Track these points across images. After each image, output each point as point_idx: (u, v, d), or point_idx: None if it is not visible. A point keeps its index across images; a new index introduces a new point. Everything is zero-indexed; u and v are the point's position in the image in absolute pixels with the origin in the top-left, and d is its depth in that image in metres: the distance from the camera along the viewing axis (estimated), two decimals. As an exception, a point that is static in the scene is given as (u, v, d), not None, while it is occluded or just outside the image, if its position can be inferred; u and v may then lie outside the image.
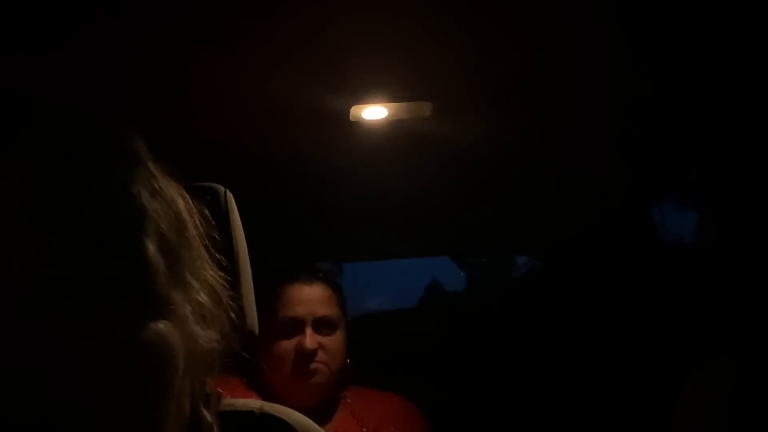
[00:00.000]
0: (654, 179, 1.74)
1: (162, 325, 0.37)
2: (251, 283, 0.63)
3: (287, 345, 1.27)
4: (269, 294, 1.31)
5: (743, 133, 1.23)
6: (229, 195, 0.65)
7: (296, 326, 1.28)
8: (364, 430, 1.31)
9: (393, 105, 1.26)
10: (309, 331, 1.27)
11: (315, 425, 0.56)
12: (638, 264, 1.77)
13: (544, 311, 1.94)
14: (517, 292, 2.35)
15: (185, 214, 0.44)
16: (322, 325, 1.30)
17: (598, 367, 1.72)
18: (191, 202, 0.46)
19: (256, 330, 0.61)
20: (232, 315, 0.47)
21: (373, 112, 1.28)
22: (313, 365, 1.26)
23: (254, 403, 0.54)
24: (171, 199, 0.42)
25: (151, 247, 0.38)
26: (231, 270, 0.52)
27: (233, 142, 1.40)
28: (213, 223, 0.48)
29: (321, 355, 1.27)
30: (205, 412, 0.44)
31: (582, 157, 1.58)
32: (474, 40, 1.07)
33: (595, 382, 1.70)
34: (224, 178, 0.68)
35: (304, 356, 1.26)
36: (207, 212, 0.47)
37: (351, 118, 1.29)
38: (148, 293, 0.37)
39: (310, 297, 1.30)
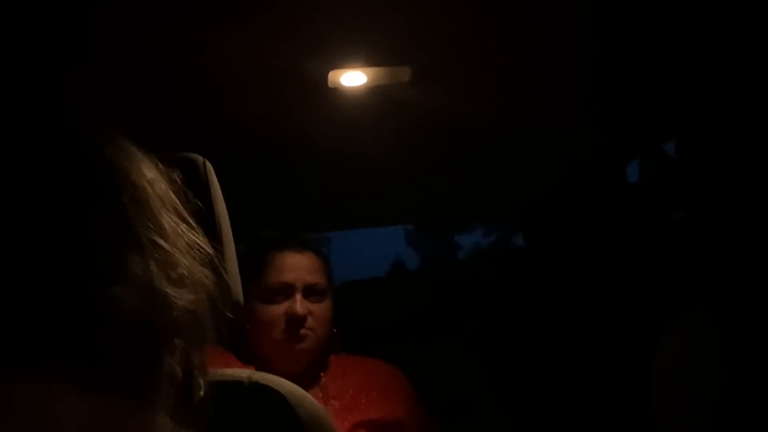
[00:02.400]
0: (631, 145, 1.75)
1: (116, 289, 0.36)
2: (234, 252, 0.62)
3: (277, 310, 1.29)
4: (260, 260, 1.31)
5: (723, 102, 1.24)
6: (209, 165, 0.64)
7: (286, 292, 1.30)
8: (350, 392, 1.33)
9: (372, 69, 1.24)
10: (299, 296, 1.29)
11: (303, 391, 0.56)
12: (615, 226, 1.80)
13: (525, 277, 1.96)
14: (496, 258, 2.37)
15: (143, 179, 0.43)
16: (311, 293, 1.32)
17: (576, 334, 1.75)
18: (169, 172, 0.45)
19: (241, 300, 0.61)
20: (212, 277, 0.46)
21: (352, 78, 1.26)
22: (302, 331, 1.28)
23: (243, 372, 0.53)
24: (119, 163, 0.41)
25: (98, 209, 0.37)
26: (213, 240, 0.52)
27: (208, 111, 1.37)
28: (192, 191, 0.47)
29: (310, 322, 1.30)
30: (199, 379, 0.43)
31: (560, 122, 1.58)
32: (453, 4, 1.06)
33: (574, 349, 1.74)
34: (200, 147, 0.67)
35: (294, 321, 1.28)
36: (187, 180, 0.46)
37: (329, 84, 1.26)
38: (97, 257, 0.36)
39: (300, 264, 1.32)
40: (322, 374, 1.36)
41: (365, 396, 1.34)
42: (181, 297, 0.41)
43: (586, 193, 1.86)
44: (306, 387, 1.30)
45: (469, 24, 1.12)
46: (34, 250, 0.34)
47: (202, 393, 0.43)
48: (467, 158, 1.75)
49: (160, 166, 0.46)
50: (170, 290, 0.40)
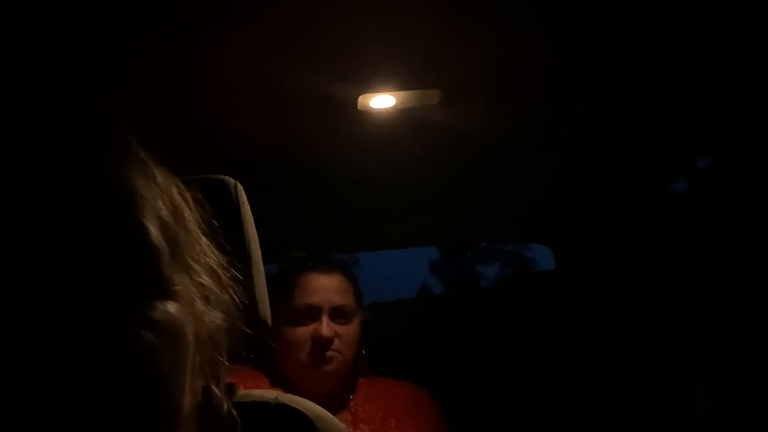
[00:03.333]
0: (663, 166, 1.72)
1: (170, 306, 0.38)
2: (263, 274, 0.63)
3: (303, 332, 1.28)
4: (287, 282, 1.31)
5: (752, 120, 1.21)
6: (239, 187, 0.64)
7: (313, 314, 1.29)
8: (379, 415, 1.31)
9: (401, 93, 1.25)
10: (325, 319, 1.28)
11: (330, 415, 0.56)
12: (649, 250, 1.76)
13: (554, 299, 1.93)
14: (526, 281, 2.34)
15: (179, 200, 0.44)
16: (338, 314, 1.31)
17: (608, 355, 1.71)
18: (184, 189, 0.46)
19: (269, 320, 0.61)
20: (236, 298, 0.47)
21: (381, 101, 1.27)
22: (328, 353, 1.27)
23: (270, 393, 0.54)
24: (165, 184, 0.43)
25: (153, 230, 0.38)
26: (243, 261, 0.52)
27: (240, 133, 1.39)
28: (223, 213, 0.48)
29: (336, 344, 1.28)
30: (217, 392, 0.44)
31: (591, 145, 1.57)
32: (482, 27, 1.06)
33: (605, 371, 1.70)
34: (232, 169, 0.68)
35: (320, 343, 1.27)
36: (201, 197, 0.47)
37: (359, 107, 1.28)
38: (154, 275, 0.38)
39: (327, 286, 1.31)
40: (351, 397, 1.35)
41: (394, 420, 1.32)
42: (210, 316, 0.42)
43: (619, 215, 1.83)
44: (335, 410, 1.30)
45: (498, 47, 1.13)
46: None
47: (225, 410, 0.44)
48: (496, 180, 1.74)
49: (192, 190, 0.47)
50: (202, 308, 0.41)
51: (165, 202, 0.42)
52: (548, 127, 1.47)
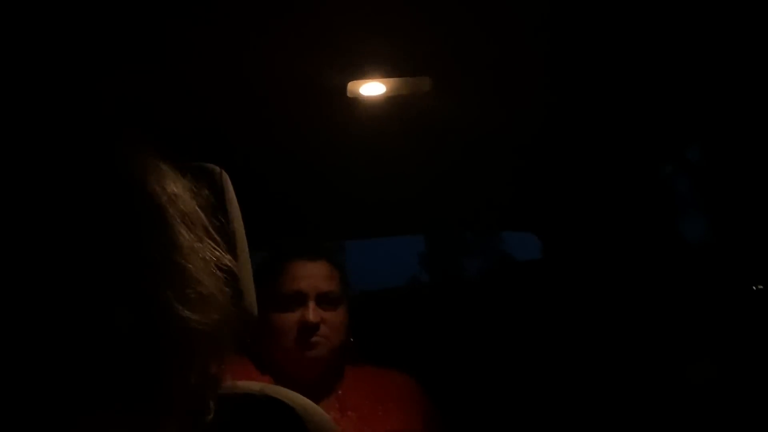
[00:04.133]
0: (653, 154, 1.73)
1: (156, 307, 0.38)
2: (249, 263, 0.62)
3: (290, 318, 1.29)
4: (274, 269, 1.32)
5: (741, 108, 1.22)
6: (225, 175, 0.63)
7: (299, 300, 1.30)
8: (367, 403, 1.32)
9: (391, 80, 1.24)
10: (312, 305, 1.29)
11: (315, 406, 0.56)
12: (637, 239, 1.77)
13: (542, 288, 1.94)
14: (514, 270, 2.35)
15: (179, 200, 0.43)
16: (325, 301, 1.31)
17: (596, 345, 1.72)
18: (188, 185, 0.45)
19: (255, 311, 0.61)
20: (229, 295, 0.46)
21: (371, 88, 1.26)
22: (314, 338, 1.28)
23: (255, 385, 0.53)
24: (164, 185, 0.42)
25: (141, 239, 0.38)
26: (229, 250, 0.52)
27: (227, 120, 1.38)
28: (211, 203, 0.48)
29: (323, 329, 1.29)
30: (207, 396, 0.44)
31: (581, 133, 1.57)
32: (474, 15, 1.05)
33: (592, 359, 1.71)
34: (219, 156, 0.67)
35: (307, 329, 1.27)
36: (207, 193, 0.46)
37: (348, 94, 1.27)
38: (136, 286, 0.37)
39: (313, 272, 1.32)
40: (338, 385, 1.35)
41: (382, 407, 1.33)
42: (199, 315, 0.41)
43: (608, 204, 1.84)
44: (322, 397, 1.31)
45: (489, 35, 1.12)
46: (43, 268, 0.34)
47: (213, 410, 0.43)
48: (486, 168, 1.73)
49: (187, 179, 0.46)
50: (187, 310, 0.40)
51: (176, 208, 0.41)
52: (539, 116, 1.46)
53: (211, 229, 0.47)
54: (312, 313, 1.27)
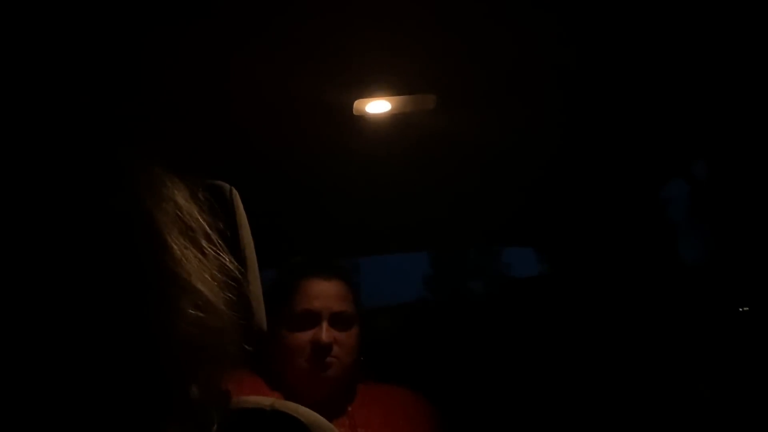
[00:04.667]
0: (658, 171, 1.73)
1: (155, 320, 0.38)
2: (259, 280, 0.62)
3: (303, 337, 1.27)
4: (287, 287, 1.31)
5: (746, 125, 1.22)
6: (235, 192, 0.64)
7: (312, 319, 1.28)
8: (377, 421, 1.31)
9: (396, 98, 1.25)
10: (325, 325, 1.27)
11: (326, 421, 0.55)
12: (639, 258, 1.77)
13: (547, 304, 1.93)
14: (520, 285, 2.34)
15: (185, 213, 0.44)
16: (338, 321, 1.30)
17: (600, 358, 1.71)
18: (195, 199, 0.46)
19: (264, 326, 0.61)
20: (233, 307, 0.46)
21: (377, 106, 1.27)
22: (327, 359, 1.27)
23: (265, 400, 0.53)
24: (168, 199, 0.42)
25: (141, 249, 0.38)
26: (238, 267, 0.52)
27: (236, 138, 1.39)
28: (219, 219, 0.48)
29: (335, 350, 1.27)
30: (211, 408, 0.43)
31: (586, 150, 1.57)
32: (478, 33, 1.07)
33: (597, 373, 1.70)
34: (227, 173, 0.68)
35: (319, 349, 1.26)
36: (216, 207, 0.47)
37: (355, 112, 1.28)
38: (139, 291, 0.38)
39: (327, 292, 1.30)
40: (349, 403, 1.35)
41: (392, 426, 1.32)
42: (198, 326, 0.41)
43: (614, 219, 1.84)
44: (333, 416, 1.30)
45: (494, 52, 1.13)
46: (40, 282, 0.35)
47: (216, 421, 0.43)
48: (492, 185, 1.74)
49: (197, 193, 0.46)
50: (183, 320, 0.40)
51: (166, 215, 0.41)
52: (543, 132, 1.47)
53: (217, 242, 0.47)
54: (325, 333, 1.26)
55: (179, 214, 0.43)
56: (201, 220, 0.46)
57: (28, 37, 0.89)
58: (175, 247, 0.41)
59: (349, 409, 1.34)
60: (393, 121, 1.33)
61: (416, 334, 1.90)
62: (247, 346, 0.47)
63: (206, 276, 0.44)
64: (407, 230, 2.04)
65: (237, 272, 0.48)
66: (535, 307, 1.88)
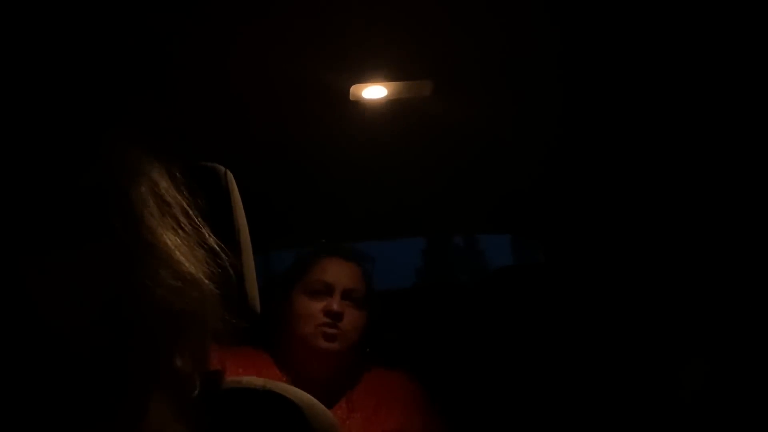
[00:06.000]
0: (655, 162, 1.73)
1: (133, 287, 0.39)
2: (252, 261, 0.63)
3: (316, 305, 1.36)
4: (309, 261, 1.42)
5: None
6: (230, 175, 0.64)
7: (326, 291, 1.37)
8: (372, 404, 1.35)
9: (393, 84, 1.25)
10: (337, 296, 1.36)
11: (317, 402, 0.56)
12: (639, 244, 1.77)
13: (543, 292, 1.94)
14: (515, 274, 2.35)
15: (161, 189, 0.45)
16: (350, 297, 1.38)
17: (597, 349, 1.73)
18: (172, 177, 0.47)
19: (258, 307, 0.62)
20: (216, 282, 0.47)
21: (373, 92, 1.27)
22: (334, 330, 1.33)
23: (258, 380, 0.54)
24: (143, 174, 0.44)
25: (116, 219, 0.39)
26: (232, 249, 0.52)
27: (231, 122, 1.39)
28: (198, 196, 0.49)
29: (344, 323, 1.35)
30: (197, 377, 0.45)
31: (583, 137, 1.57)
32: (475, 18, 1.06)
33: (593, 363, 1.71)
34: (223, 157, 0.68)
35: (330, 315, 1.34)
36: (195, 185, 0.48)
37: (351, 97, 1.28)
38: (115, 258, 0.39)
39: (343, 270, 1.41)
40: (350, 389, 1.39)
41: (385, 408, 1.36)
42: (177, 296, 0.42)
43: (610, 208, 1.84)
44: (333, 399, 1.33)
45: (491, 38, 1.13)
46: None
47: (197, 391, 0.44)
48: (488, 171, 1.74)
49: (176, 174, 0.47)
50: (169, 290, 0.41)
51: (156, 202, 0.43)
52: (539, 119, 1.47)
53: (195, 217, 0.48)
54: (337, 303, 1.35)
55: (155, 189, 0.45)
56: (178, 196, 0.47)
57: (11, 13, 0.89)
58: (150, 218, 0.43)
59: (350, 393, 1.37)
60: (389, 106, 1.33)
61: (409, 319, 1.91)
62: (229, 317, 0.48)
63: (184, 248, 0.45)
64: (402, 215, 2.05)
65: (217, 246, 0.49)
66: (525, 294, 1.89)
